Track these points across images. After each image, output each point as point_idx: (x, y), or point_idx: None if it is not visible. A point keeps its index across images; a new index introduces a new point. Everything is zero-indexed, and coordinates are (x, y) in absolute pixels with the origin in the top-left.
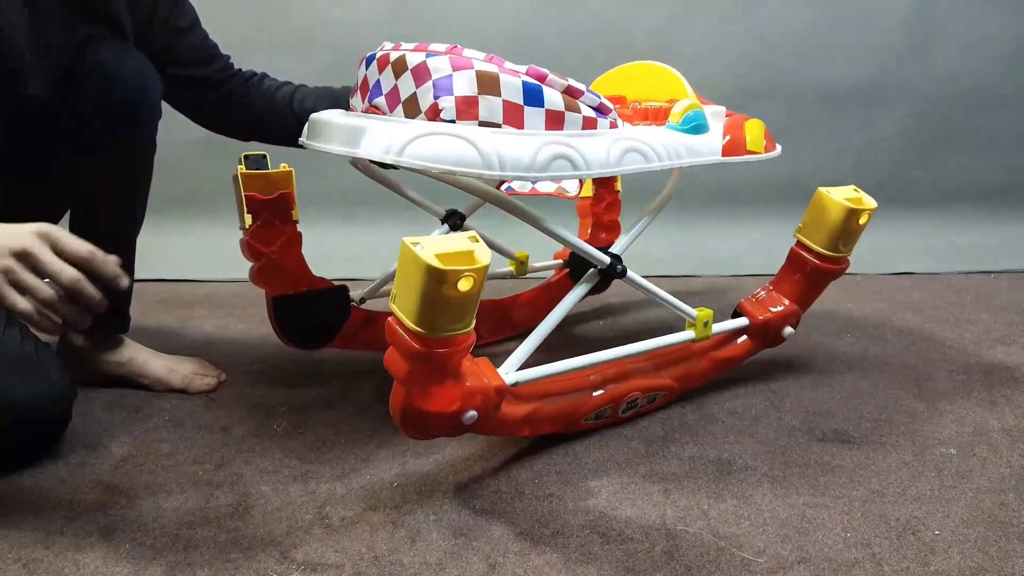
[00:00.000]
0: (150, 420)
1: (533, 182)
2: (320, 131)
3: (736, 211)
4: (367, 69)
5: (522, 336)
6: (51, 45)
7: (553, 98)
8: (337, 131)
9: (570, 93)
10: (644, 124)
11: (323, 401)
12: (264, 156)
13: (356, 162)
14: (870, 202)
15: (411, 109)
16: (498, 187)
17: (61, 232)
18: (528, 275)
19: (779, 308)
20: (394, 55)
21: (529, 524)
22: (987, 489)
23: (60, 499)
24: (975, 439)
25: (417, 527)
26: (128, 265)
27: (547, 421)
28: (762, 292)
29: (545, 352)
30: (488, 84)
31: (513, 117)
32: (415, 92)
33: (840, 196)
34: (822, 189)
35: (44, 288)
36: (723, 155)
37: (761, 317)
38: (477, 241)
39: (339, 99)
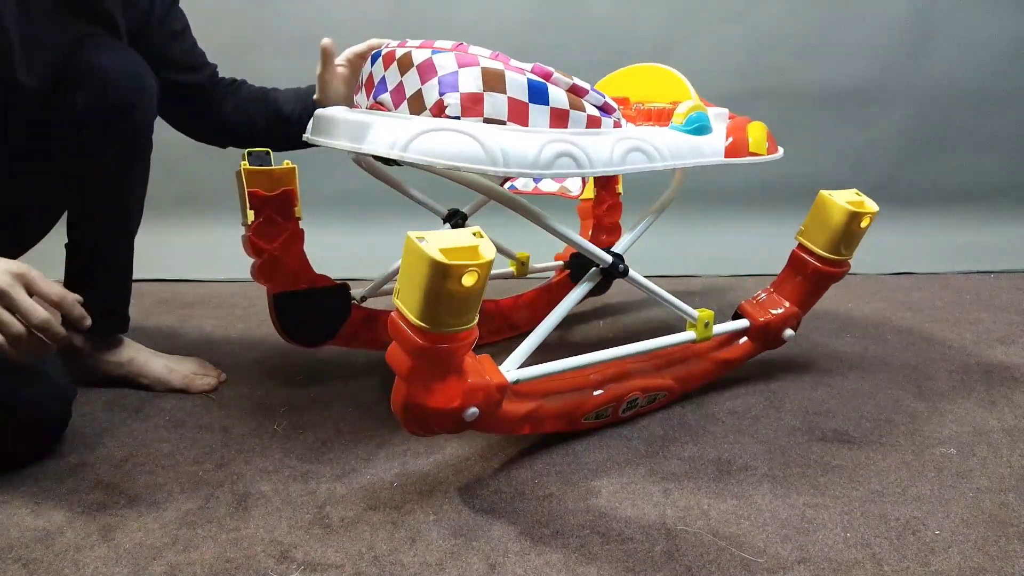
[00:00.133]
0: (150, 420)
1: (537, 180)
2: (325, 127)
3: (736, 211)
4: (372, 66)
5: (523, 337)
6: (42, 39)
7: (558, 96)
8: (342, 127)
9: (575, 92)
10: (647, 125)
11: (323, 401)
12: (268, 153)
13: (359, 159)
14: (872, 206)
15: (416, 106)
16: (501, 186)
17: (35, 274)
18: (529, 276)
19: (780, 310)
20: (400, 52)
21: (529, 524)
22: (987, 489)
23: (60, 499)
24: (975, 439)
25: (417, 527)
26: (126, 264)
27: (548, 419)
28: (763, 294)
29: (545, 352)
30: (493, 81)
31: (518, 114)
32: (420, 89)
33: (842, 199)
34: (824, 192)
35: (15, 324)
36: (726, 156)
37: (762, 319)
38: (482, 237)
39: (308, 97)
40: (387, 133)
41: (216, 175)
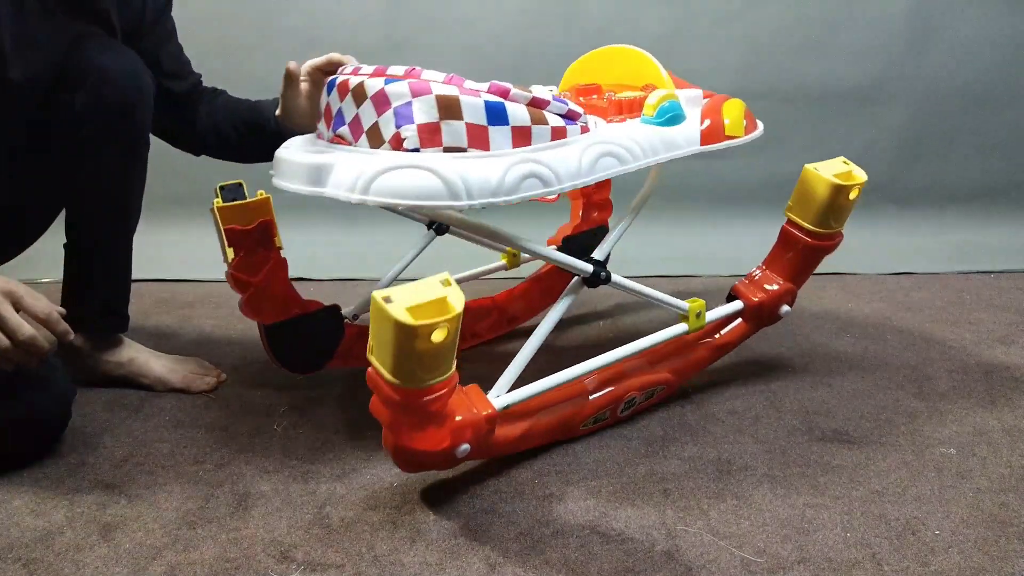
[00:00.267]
0: (150, 420)
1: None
2: (285, 170)
3: (736, 211)
4: (328, 96)
5: (521, 333)
6: (37, 38)
7: (518, 113)
8: (301, 170)
9: (535, 105)
10: (619, 118)
11: (323, 401)
12: (240, 185)
13: None
14: (860, 175)
15: (375, 139)
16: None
17: (24, 292)
18: (522, 266)
19: (774, 287)
20: (353, 81)
21: (529, 524)
22: (987, 489)
23: (60, 499)
24: (975, 439)
25: (417, 527)
26: (125, 263)
27: (545, 434)
28: (757, 271)
29: (545, 353)
30: (449, 108)
31: (478, 139)
32: (377, 121)
33: (828, 172)
34: (809, 166)
35: (2, 339)
36: (702, 143)
37: (756, 299)
38: (450, 285)
39: (261, 111)
40: (345, 175)
41: (216, 175)
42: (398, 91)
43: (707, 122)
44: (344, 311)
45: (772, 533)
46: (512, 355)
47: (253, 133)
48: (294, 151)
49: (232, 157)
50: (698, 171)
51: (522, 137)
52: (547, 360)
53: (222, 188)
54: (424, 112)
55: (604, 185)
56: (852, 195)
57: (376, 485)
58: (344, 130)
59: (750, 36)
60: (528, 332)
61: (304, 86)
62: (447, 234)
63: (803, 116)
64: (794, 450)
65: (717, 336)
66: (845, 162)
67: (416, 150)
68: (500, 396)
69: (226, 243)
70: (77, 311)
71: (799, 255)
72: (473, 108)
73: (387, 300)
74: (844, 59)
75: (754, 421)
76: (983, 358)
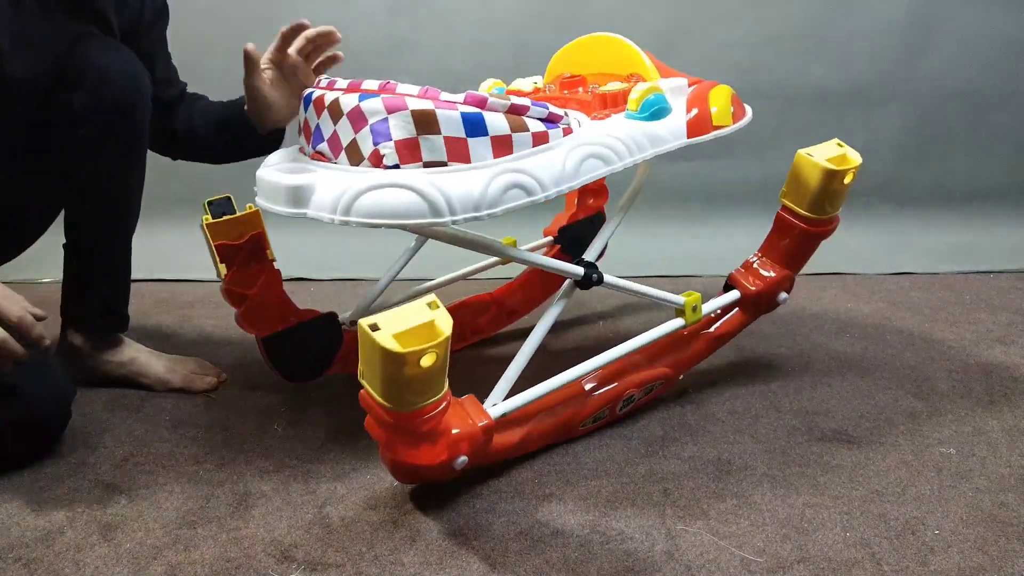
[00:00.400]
0: (150, 420)
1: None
2: (266, 191)
3: (736, 211)
4: (306, 112)
5: (522, 334)
6: (36, 37)
7: (496, 123)
8: (281, 192)
9: (515, 111)
10: (603, 113)
11: (323, 401)
12: (228, 199)
13: None
14: (855, 158)
15: (354, 156)
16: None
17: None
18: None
19: (771, 274)
20: (329, 97)
21: (529, 524)
22: (987, 489)
23: (60, 499)
24: (975, 439)
25: (417, 527)
26: (125, 263)
27: (544, 437)
28: (753, 259)
29: (545, 354)
30: (425, 123)
31: (458, 152)
32: (355, 138)
33: (821, 156)
34: (801, 151)
35: None
36: (689, 136)
37: (753, 288)
38: (437, 308)
39: (233, 107)
40: (327, 196)
41: (216, 175)
42: (373, 108)
43: (694, 111)
44: (341, 317)
45: (772, 533)
46: (511, 356)
47: (226, 130)
48: (274, 171)
49: (207, 158)
50: (697, 171)
51: (503, 146)
52: (544, 362)
53: (210, 203)
54: (401, 128)
55: (601, 192)
56: (846, 179)
57: (376, 485)
58: (324, 147)
59: (750, 36)
60: (526, 332)
61: (267, 74)
62: None
63: (803, 116)
64: (794, 450)
65: (714, 327)
66: (839, 144)
67: (396, 166)
68: (496, 405)
69: (218, 259)
70: (77, 311)
71: (795, 241)
72: (450, 121)
73: (374, 328)
74: (844, 59)
75: (754, 421)
76: (983, 358)
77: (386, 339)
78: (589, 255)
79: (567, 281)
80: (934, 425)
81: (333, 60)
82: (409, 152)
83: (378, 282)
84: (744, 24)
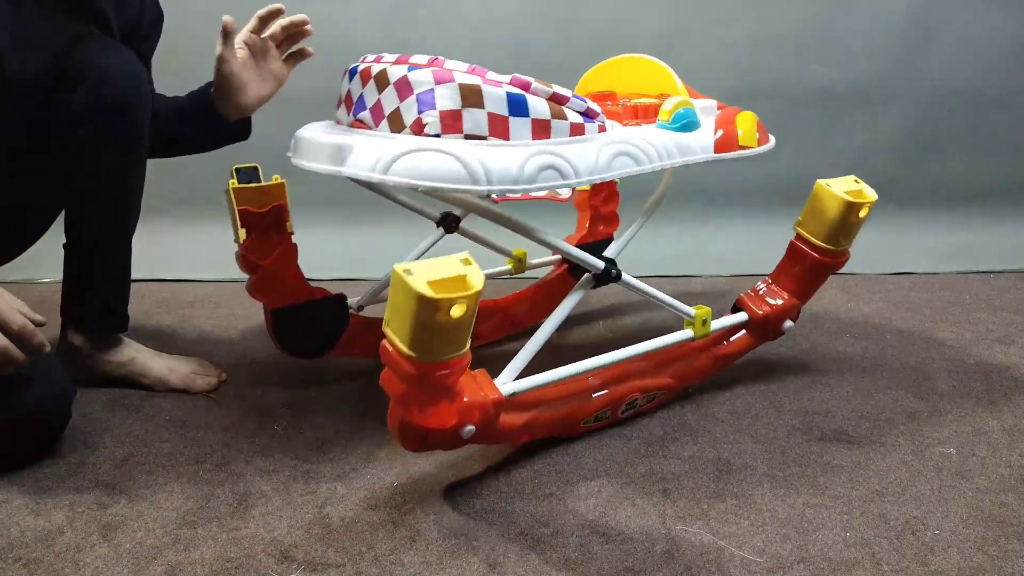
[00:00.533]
0: (150, 420)
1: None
2: (305, 149)
3: (736, 211)
4: (350, 82)
5: (523, 335)
6: (36, 37)
7: (538, 107)
8: (322, 149)
9: (556, 100)
10: (634, 123)
11: (323, 401)
12: (255, 168)
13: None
14: (870, 194)
15: (396, 124)
16: (488, 195)
17: (2, 304)
18: (527, 272)
19: (779, 302)
20: (376, 68)
21: (529, 524)
22: (987, 489)
23: (60, 499)
24: (975, 439)
25: (417, 527)
26: (125, 263)
27: (546, 427)
28: (761, 286)
29: (546, 353)
30: (471, 97)
31: (499, 128)
32: (399, 107)
33: (839, 189)
34: (821, 182)
35: None
36: (716, 151)
37: (761, 312)
38: (470, 264)
39: (198, 95)
40: (367, 156)
41: (216, 175)
42: (421, 78)
43: (720, 132)
44: (350, 301)
45: (772, 533)
46: (514, 355)
47: (193, 117)
48: (313, 131)
49: (173, 151)
50: (696, 172)
51: (542, 130)
52: (549, 360)
53: (238, 170)
54: (447, 99)
55: (612, 198)
56: (862, 213)
57: (376, 485)
58: (365, 115)
59: (751, 36)
60: (529, 333)
61: (240, 53)
62: (455, 233)
63: (803, 116)
64: (794, 450)
65: (720, 346)
66: (856, 180)
67: (437, 136)
68: (507, 383)
69: (239, 224)
70: (77, 311)
71: (806, 270)
72: (495, 98)
73: (408, 272)
74: (844, 59)
75: (754, 421)
76: (983, 358)
77: (420, 284)
78: (609, 253)
79: (586, 274)
80: (934, 425)
81: (303, 55)
82: (452, 123)
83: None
84: (744, 24)
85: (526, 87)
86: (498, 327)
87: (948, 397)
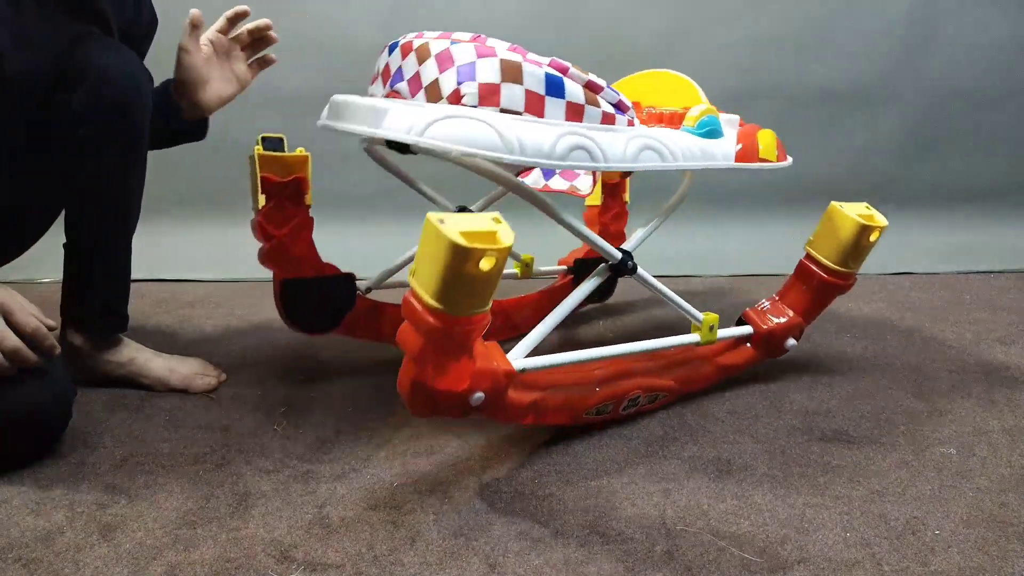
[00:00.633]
0: (150, 420)
1: (547, 177)
2: (341, 112)
3: (736, 211)
4: (389, 56)
5: (523, 338)
6: (36, 37)
7: (574, 90)
8: (359, 111)
9: (590, 88)
10: (659, 127)
11: (323, 401)
12: (281, 139)
13: (371, 149)
14: (881, 220)
15: (433, 94)
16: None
17: (16, 307)
18: (532, 279)
19: (783, 319)
20: (417, 42)
21: (529, 524)
22: (987, 489)
23: (60, 499)
24: (975, 439)
25: (417, 527)
26: (125, 263)
27: (551, 411)
28: (767, 302)
29: (546, 352)
30: (511, 72)
31: (534, 106)
32: (437, 78)
33: (853, 212)
34: (835, 204)
35: None
36: (737, 160)
37: (765, 327)
38: (500, 222)
39: (157, 92)
40: (404, 119)
41: (216, 175)
42: (463, 52)
43: (741, 144)
44: (359, 284)
45: (772, 533)
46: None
47: (154, 112)
48: (350, 97)
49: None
50: (696, 172)
51: (575, 113)
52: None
53: (264, 138)
54: (487, 72)
55: (621, 217)
56: (873, 237)
57: (376, 485)
58: (401, 85)
59: (751, 36)
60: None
61: (205, 50)
62: None
63: (803, 116)
64: (794, 450)
65: (723, 356)
66: (867, 207)
67: (473, 107)
68: (518, 360)
69: (259, 189)
70: (77, 311)
71: (813, 290)
72: (534, 76)
73: (441, 221)
74: (844, 59)
75: (754, 421)
76: (983, 358)
77: (453, 232)
78: (627, 246)
79: (602, 264)
80: (934, 425)
81: (267, 62)
82: (489, 96)
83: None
84: (744, 24)
85: (564, 71)
86: (498, 330)
87: (948, 397)
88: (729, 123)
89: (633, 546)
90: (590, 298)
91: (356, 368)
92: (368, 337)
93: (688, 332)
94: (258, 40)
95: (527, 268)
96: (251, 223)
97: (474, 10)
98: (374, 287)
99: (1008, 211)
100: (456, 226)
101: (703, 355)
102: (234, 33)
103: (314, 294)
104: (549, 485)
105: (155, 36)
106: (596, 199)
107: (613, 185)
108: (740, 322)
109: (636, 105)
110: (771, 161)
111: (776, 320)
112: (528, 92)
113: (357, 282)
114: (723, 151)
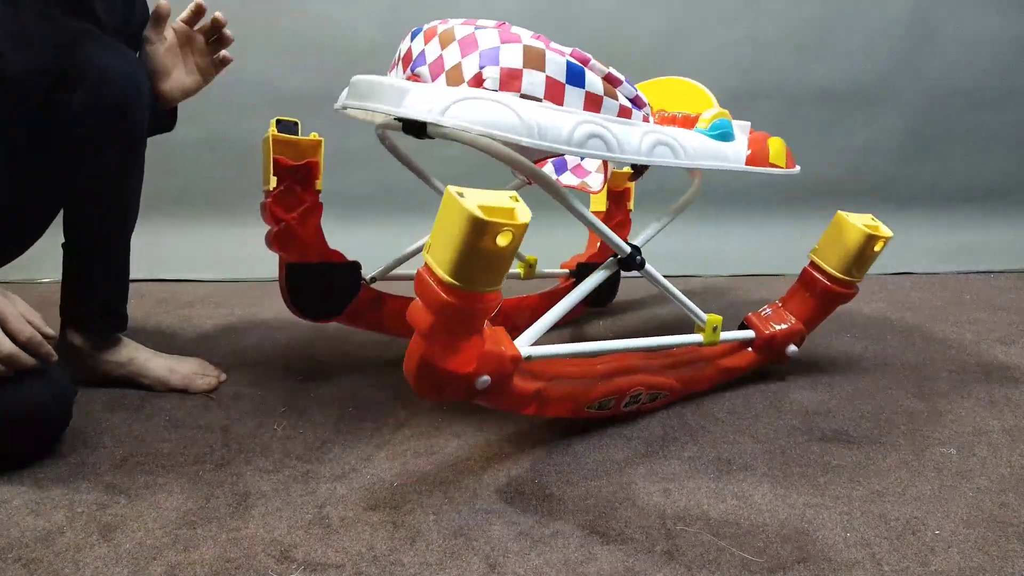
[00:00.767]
0: (150, 420)
1: (559, 172)
2: (362, 91)
3: (736, 212)
4: (412, 41)
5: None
6: (34, 36)
7: (594, 81)
8: (381, 90)
9: (610, 80)
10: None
11: (323, 401)
12: (296, 123)
13: (384, 137)
14: (886, 231)
15: (455, 78)
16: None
17: (12, 314)
18: (534, 280)
19: (785, 325)
20: (442, 27)
21: (529, 524)
22: (987, 489)
23: (60, 499)
24: (975, 439)
25: (417, 527)
26: (124, 263)
27: (553, 402)
28: (769, 309)
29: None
30: (534, 59)
31: (554, 94)
32: (460, 61)
33: (859, 222)
34: (842, 213)
35: None
36: (747, 163)
37: (767, 332)
38: (518, 200)
39: None
40: (424, 99)
41: (216, 175)
42: (487, 37)
43: (751, 149)
44: (364, 273)
45: (772, 533)
46: None
47: None
48: (371, 77)
49: None
50: (704, 173)
51: (593, 104)
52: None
53: (279, 122)
54: (510, 57)
55: (625, 224)
56: (877, 247)
57: (376, 485)
58: (423, 69)
59: (751, 36)
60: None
61: (169, 35)
62: None
63: (803, 116)
64: (794, 450)
65: (725, 358)
66: (872, 218)
67: (494, 91)
68: (524, 347)
69: (271, 172)
70: (76, 311)
71: (816, 298)
72: (556, 64)
73: (460, 195)
74: (844, 59)
75: (754, 421)
76: (983, 358)
77: (472, 205)
78: (638, 242)
79: (610, 258)
80: (934, 425)
81: (224, 61)
82: (510, 81)
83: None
84: (744, 24)
85: (585, 62)
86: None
87: (948, 397)
88: (740, 128)
89: (633, 546)
90: (592, 301)
91: (356, 368)
92: (370, 327)
93: (690, 332)
94: (216, 41)
95: (530, 269)
96: (260, 206)
97: (474, 10)
98: (379, 277)
99: (1008, 211)
100: (475, 200)
101: (705, 356)
102: (199, 25)
103: (320, 280)
104: (549, 485)
105: None
106: (601, 205)
107: (619, 193)
108: (742, 326)
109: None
110: (780, 167)
111: (778, 326)
112: (549, 79)
113: (362, 272)
114: (734, 153)
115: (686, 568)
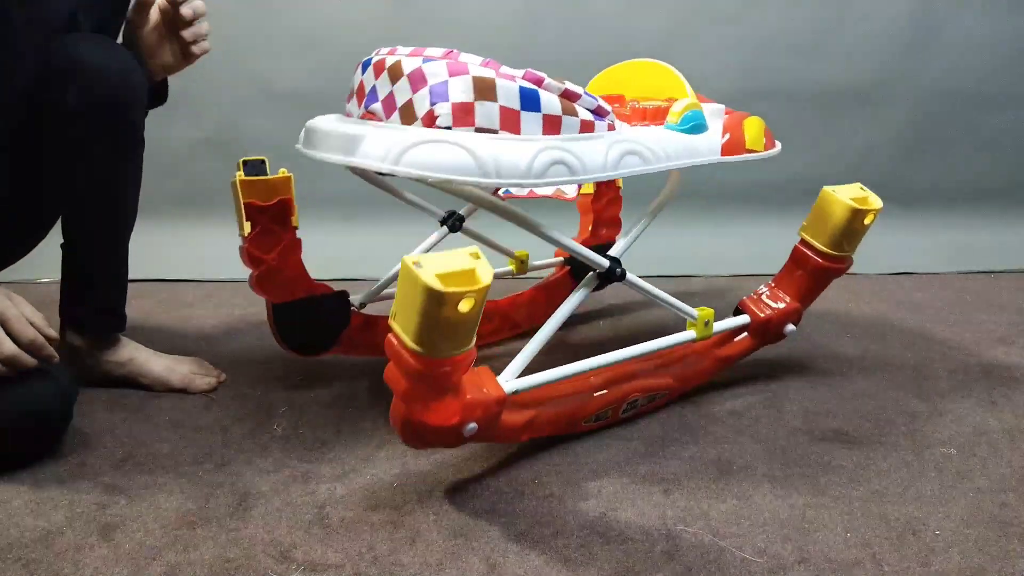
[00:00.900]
0: (150, 420)
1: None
2: (316, 140)
3: (735, 211)
4: (363, 74)
5: (524, 336)
6: (8, 35)
7: (550, 102)
8: (333, 139)
9: (567, 96)
10: (642, 124)
11: (323, 401)
12: (263, 161)
13: (353, 167)
14: (876, 202)
15: (407, 116)
16: (496, 191)
17: (13, 314)
18: (528, 274)
19: (781, 305)
20: (390, 60)
21: (529, 524)
22: (987, 489)
23: (60, 499)
24: (975, 439)
25: (417, 527)
26: (123, 262)
27: (547, 425)
28: (764, 289)
29: (546, 353)
30: (484, 90)
31: (510, 122)
32: (411, 98)
33: (845, 196)
34: (827, 188)
35: None
36: (722, 154)
37: (763, 315)
38: (479, 258)
39: None
40: (378, 145)
41: (216, 175)
42: (435, 70)
43: (727, 135)
44: (352, 299)
45: (772, 533)
46: (513, 355)
47: None
48: (325, 121)
49: None
50: (697, 172)
51: (552, 126)
52: (549, 360)
53: (245, 163)
54: (460, 91)
55: (615, 203)
56: (867, 220)
57: (376, 485)
58: (376, 107)
59: (751, 36)
60: (529, 334)
61: (153, 16)
62: (459, 232)
63: (803, 116)
64: (794, 450)
65: (721, 348)
66: (862, 188)
67: (448, 128)
68: (509, 381)
69: (244, 217)
70: (75, 311)
71: (809, 275)
72: (508, 92)
73: (417, 265)
74: (844, 59)
75: (754, 421)
76: (983, 358)
77: (429, 276)
78: (614, 252)
79: (590, 272)
80: (935, 425)
81: (199, 40)
82: (463, 116)
83: (384, 276)
84: (744, 24)
85: (539, 82)
86: (497, 329)
87: (948, 397)
88: (714, 114)
89: (633, 546)
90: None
91: (356, 368)
92: (366, 352)
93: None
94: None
95: (522, 265)
96: (239, 250)
97: (473, 10)
98: (368, 301)
99: (1008, 211)
100: (432, 269)
101: (700, 350)
102: (183, 9)
103: (308, 315)
104: (549, 485)
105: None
106: (589, 187)
107: None
108: (737, 312)
109: (620, 98)
110: (758, 151)
111: (773, 306)
112: (503, 108)
113: (351, 297)
114: (708, 146)
115: (686, 568)
